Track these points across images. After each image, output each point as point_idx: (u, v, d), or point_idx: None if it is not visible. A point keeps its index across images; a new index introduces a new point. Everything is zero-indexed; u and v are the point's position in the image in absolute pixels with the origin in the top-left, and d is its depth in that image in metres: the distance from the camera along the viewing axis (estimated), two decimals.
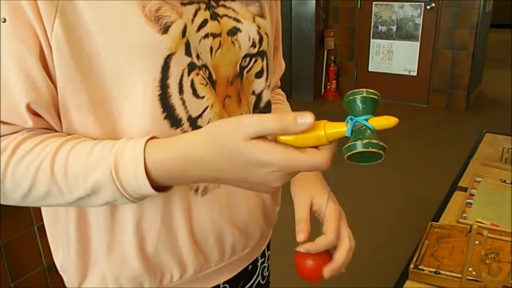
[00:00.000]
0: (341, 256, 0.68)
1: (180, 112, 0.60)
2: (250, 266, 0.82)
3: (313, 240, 0.67)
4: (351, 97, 0.48)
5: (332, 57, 5.36)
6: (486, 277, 0.87)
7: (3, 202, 0.57)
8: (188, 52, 0.59)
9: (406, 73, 5.08)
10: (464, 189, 1.37)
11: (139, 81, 0.57)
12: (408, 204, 3.01)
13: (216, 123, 0.51)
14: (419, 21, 4.85)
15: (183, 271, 0.69)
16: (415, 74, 5.05)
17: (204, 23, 0.60)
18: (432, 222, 1.16)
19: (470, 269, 0.92)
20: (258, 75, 0.69)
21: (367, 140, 0.45)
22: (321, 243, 0.66)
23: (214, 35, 0.62)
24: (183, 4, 0.58)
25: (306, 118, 0.46)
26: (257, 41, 0.66)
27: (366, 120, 0.47)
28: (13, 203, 0.57)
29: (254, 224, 0.75)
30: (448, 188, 1.40)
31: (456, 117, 4.75)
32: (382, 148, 0.45)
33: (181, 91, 0.60)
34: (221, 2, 0.63)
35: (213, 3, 0.62)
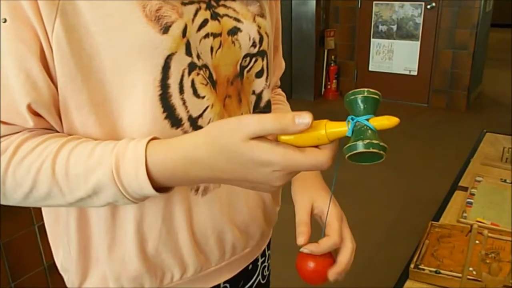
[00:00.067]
0: (344, 258, 0.68)
1: (181, 112, 0.60)
2: (251, 266, 0.82)
3: (313, 242, 0.67)
4: (352, 97, 0.48)
5: (333, 57, 5.36)
6: (487, 276, 0.87)
7: (3, 203, 0.57)
8: (188, 52, 0.59)
9: (407, 72, 5.08)
10: (465, 189, 1.37)
11: (140, 81, 0.57)
12: (408, 204, 3.01)
13: (216, 123, 0.51)
14: (420, 20, 4.84)
15: (183, 271, 0.69)
16: (415, 73, 5.05)
17: (204, 23, 0.60)
18: (433, 222, 1.16)
19: (471, 268, 0.92)
20: (259, 74, 0.69)
21: (368, 141, 0.45)
22: (325, 244, 0.67)
23: (215, 35, 0.62)
24: (184, 4, 0.58)
25: (304, 118, 0.46)
26: (257, 40, 0.66)
27: (367, 120, 0.47)
28: (13, 203, 0.57)
29: (254, 224, 0.76)
30: (449, 187, 1.40)
31: (457, 116, 4.75)
32: (383, 148, 0.45)
33: (181, 91, 0.60)
34: (222, 2, 0.63)
35: (213, 3, 0.62)
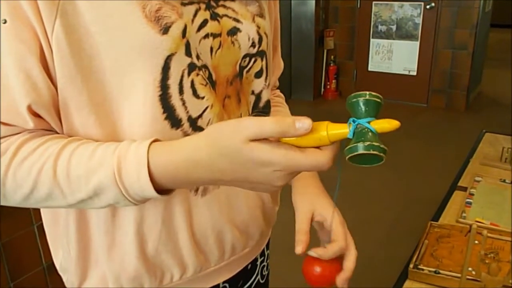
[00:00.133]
0: (351, 264, 0.69)
1: (181, 112, 0.60)
2: (250, 266, 0.82)
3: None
4: (354, 99, 0.48)
5: (332, 57, 5.36)
6: (486, 276, 0.87)
7: (3, 204, 0.56)
8: (188, 53, 0.59)
9: (406, 72, 5.08)
10: (464, 189, 1.37)
11: (140, 82, 0.57)
12: (408, 204, 3.01)
13: (216, 125, 0.51)
14: (419, 20, 4.84)
15: (183, 271, 0.69)
16: (414, 73, 5.04)
17: (204, 23, 0.60)
18: (432, 222, 1.16)
19: (470, 268, 0.92)
20: (258, 75, 0.69)
21: (368, 143, 0.46)
22: (332, 249, 0.68)
23: (214, 35, 0.62)
24: (183, 4, 0.58)
25: (304, 123, 0.47)
26: (256, 41, 0.67)
27: (368, 122, 0.47)
28: (13, 204, 0.57)
29: (254, 224, 0.76)
30: (448, 187, 1.40)
31: (456, 116, 4.75)
32: (383, 150, 0.46)
33: (181, 91, 0.60)
34: (221, 2, 0.63)
35: (213, 3, 0.62)
